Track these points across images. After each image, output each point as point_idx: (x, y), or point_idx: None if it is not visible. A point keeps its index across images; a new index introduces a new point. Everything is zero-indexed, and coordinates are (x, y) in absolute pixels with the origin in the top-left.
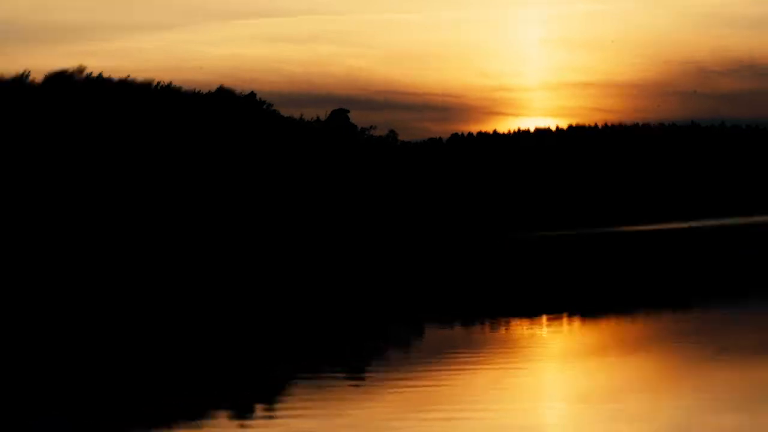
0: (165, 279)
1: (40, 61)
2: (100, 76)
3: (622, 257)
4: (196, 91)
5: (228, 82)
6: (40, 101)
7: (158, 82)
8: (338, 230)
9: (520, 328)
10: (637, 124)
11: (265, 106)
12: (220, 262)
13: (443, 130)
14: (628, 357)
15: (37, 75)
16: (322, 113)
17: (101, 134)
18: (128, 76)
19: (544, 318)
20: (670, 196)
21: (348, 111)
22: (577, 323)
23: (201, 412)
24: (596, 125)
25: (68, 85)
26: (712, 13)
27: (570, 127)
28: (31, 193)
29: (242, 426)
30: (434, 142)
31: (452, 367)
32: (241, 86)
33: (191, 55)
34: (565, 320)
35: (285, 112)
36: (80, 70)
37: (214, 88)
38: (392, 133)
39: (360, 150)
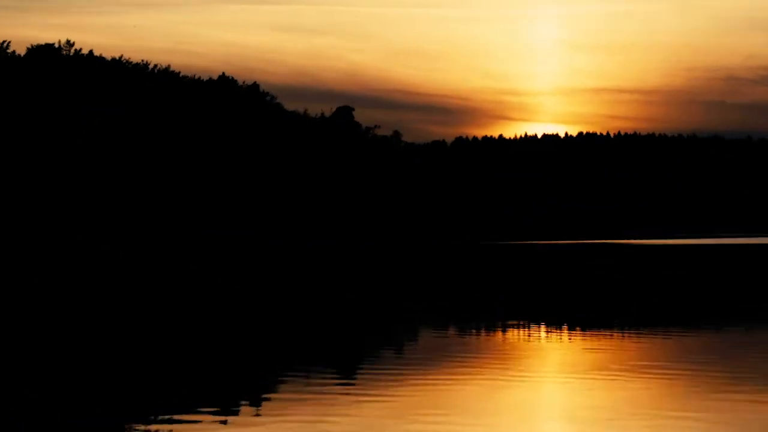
0: (158, 267)
1: (24, 31)
2: (90, 53)
3: (630, 270)
4: (196, 77)
5: (229, 70)
6: (22, 74)
7: (156, 65)
8: (337, 228)
9: (518, 335)
10: (653, 134)
11: (268, 98)
12: (215, 252)
13: (447, 132)
14: (634, 375)
15: (19, 47)
16: (327, 109)
17: (89, 113)
18: (122, 55)
19: (543, 327)
20: (684, 212)
21: (353, 109)
22: (579, 335)
23: (189, 409)
24: (608, 134)
25: (54, 59)
26: (744, 16)
27: (580, 134)
28: (8, 165)
29: (231, 424)
30: (438, 145)
31: (445, 371)
32: (243, 75)
33: (191, 38)
34: (565, 331)
35: (289, 105)
36: (68, 44)
37: (214, 74)
38: (396, 134)
39: (364, 149)
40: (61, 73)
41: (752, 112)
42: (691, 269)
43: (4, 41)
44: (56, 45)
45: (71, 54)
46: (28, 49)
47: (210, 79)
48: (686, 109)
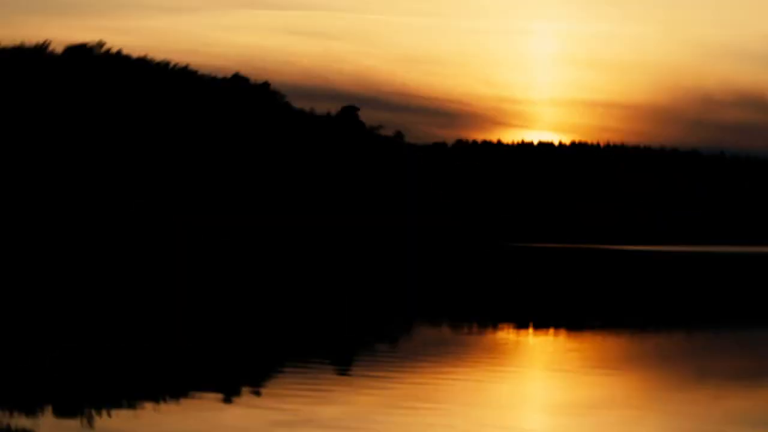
0: (165, 262)
1: (60, 33)
2: (119, 52)
3: (613, 275)
4: (212, 75)
5: (243, 70)
6: (60, 71)
7: (175, 64)
8: (338, 226)
9: (509, 334)
10: (639, 146)
11: (278, 97)
12: (221, 250)
13: (449, 135)
14: (611, 371)
15: (57, 46)
16: (333, 108)
17: (118, 108)
18: (146, 54)
19: (532, 327)
20: (665, 220)
21: (358, 108)
22: (563, 335)
23: (187, 396)
24: (599, 144)
25: (88, 58)
26: (722, 43)
27: (573, 143)
28: (43, 159)
29: (227, 411)
30: (439, 147)
31: (437, 365)
32: (256, 75)
33: (209, 40)
34: (552, 331)
35: (298, 104)
36: (100, 44)
37: (229, 74)
38: (399, 134)
39: (367, 148)
40: (93, 70)
41: (726, 132)
42: (667, 275)
43: (45, 41)
44: (89, 45)
45: (102, 53)
46: (65, 48)
47: (224, 77)
48: (668, 125)
